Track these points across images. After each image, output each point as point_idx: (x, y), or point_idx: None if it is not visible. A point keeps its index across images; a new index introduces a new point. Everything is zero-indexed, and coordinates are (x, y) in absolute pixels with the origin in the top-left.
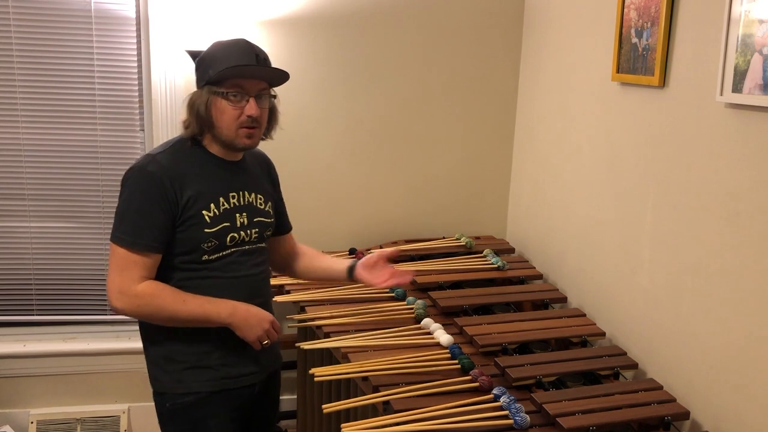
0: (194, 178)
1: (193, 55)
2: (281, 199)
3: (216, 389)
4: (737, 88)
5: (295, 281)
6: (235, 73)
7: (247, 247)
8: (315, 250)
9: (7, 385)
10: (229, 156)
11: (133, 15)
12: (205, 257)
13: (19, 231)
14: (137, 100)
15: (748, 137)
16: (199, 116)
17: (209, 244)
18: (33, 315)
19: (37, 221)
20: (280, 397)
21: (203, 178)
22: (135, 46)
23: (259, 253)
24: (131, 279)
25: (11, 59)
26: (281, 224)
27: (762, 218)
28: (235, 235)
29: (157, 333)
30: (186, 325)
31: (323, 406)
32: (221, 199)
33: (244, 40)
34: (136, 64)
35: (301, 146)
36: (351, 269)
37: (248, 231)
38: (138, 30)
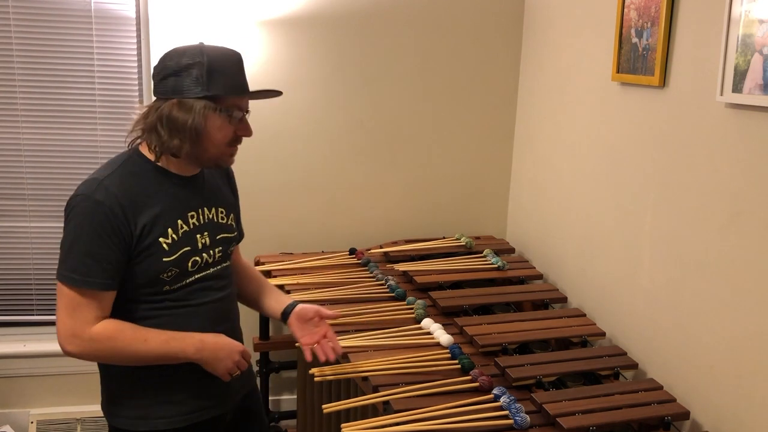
0: (148, 202)
1: (177, 54)
2: (238, 205)
3: (182, 425)
4: (737, 88)
5: (295, 281)
6: (242, 94)
7: (210, 270)
8: (259, 275)
9: (7, 385)
10: (188, 171)
11: (133, 15)
12: (166, 288)
13: (19, 231)
14: (137, 100)
15: (748, 137)
16: (190, 131)
17: (169, 274)
18: (33, 315)
19: (37, 221)
20: (280, 398)
21: (158, 200)
22: (135, 46)
23: (224, 275)
24: (84, 321)
25: (11, 59)
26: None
27: (762, 218)
28: (197, 258)
29: (116, 367)
30: (149, 363)
31: (323, 406)
32: (179, 222)
33: (236, 53)
34: (136, 64)
35: (300, 146)
36: (285, 314)
37: (211, 251)
38: (138, 30)
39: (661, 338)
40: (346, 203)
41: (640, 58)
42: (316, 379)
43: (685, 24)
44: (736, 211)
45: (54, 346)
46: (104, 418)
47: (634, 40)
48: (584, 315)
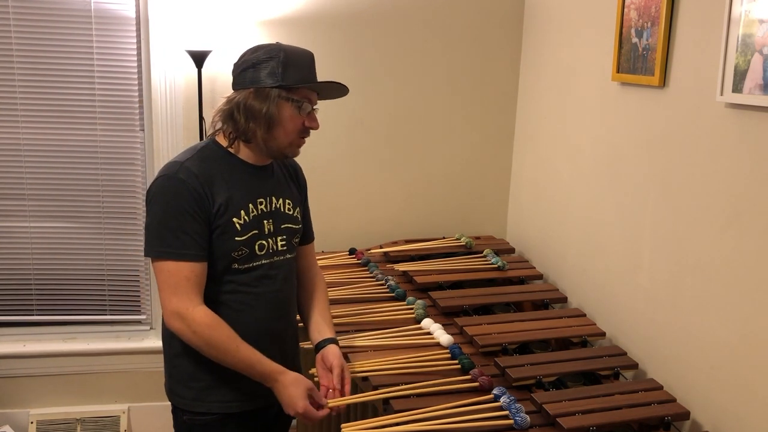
0: (223, 185)
1: (256, 49)
2: (307, 205)
3: (235, 411)
4: (737, 88)
5: None
6: (313, 86)
7: (275, 259)
8: (321, 288)
9: (7, 385)
10: (259, 161)
11: (133, 15)
12: (235, 266)
13: (19, 231)
14: (137, 100)
15: (748, 137)
16: (265, 117)
17: (239, 253)
18: (33, 315)
19: (37, 221)
20: None
21: (232, 184)
22: (135, 46)
23: (289, 267)
24: (188, 299)
25: (11, 59)
26: (303, 233)
27: (762, 218)
28: (264, 242)
29: (183, 348)
30: (227, 366)
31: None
32: (250, 206)
33: (309, 51)
34: (136, 64)
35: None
36: (317, 348)
37: (275, 239)
38: (138, 30)
39: (661, 338)
40: (346, 203)
41: (640, 58)
42: (315, 379)
43: (685, 24)
44: (736, 211)
45: (54, 346)
46: (104, 418)
47: (634, 40)
48: (584, 315)
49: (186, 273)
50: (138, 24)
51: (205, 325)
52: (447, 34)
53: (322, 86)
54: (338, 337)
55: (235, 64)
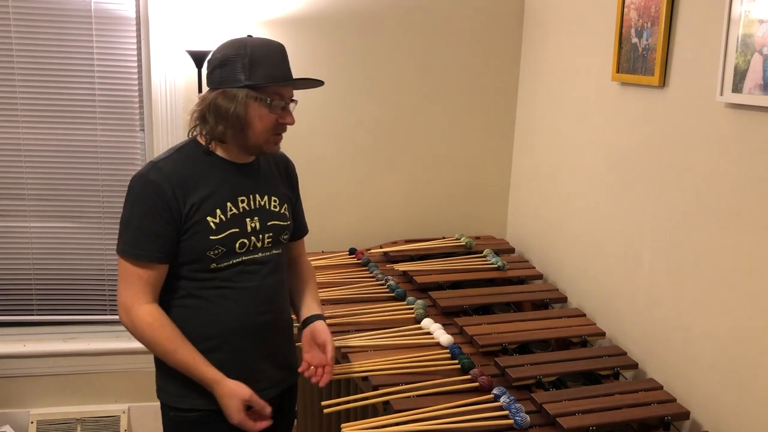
0: (199, 184)
1: (225, 47)
2: (299, 200)
3: (219, 407)
4: (737, 88)
5: None
6: (282, 82)
7: (259, 254)
8: (310, 274)
9: (7, 385)
10: (240, 159)
11: (133, 15)
12: (213, 265)
13: (19, 231)
14: (137, 100)
15: (748, 137)
16: (233, 119)
17: (216, 252)
18: (33, 315)
19: (37, 221)
20: None
21: (210, 183)
22: (135, 46)
23: (274, 261)
24: (136, 296)
25: (11, 59)
26: (296, 228)
27: (762, 218)
28: (245, 241)
29: None
30: (172, 366)
31: (323, 403)
32: (229, 204)
33: (279, 44)
34: (136, 64)
35: (300, 146)
36: (304, 323)
37: (260, 236)
38: (138, 30)
39: (661, 338)
40: (346, 203)
41: (640, 58)
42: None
43: (685, 24)
44: (736, 211)
45: (54, 346)
46: (104, 418)
47: (634, 40)
48: (584, 315)
49: (139, 272)
50: (138, 24)
51: (147, 324)
52: (447, 34)
53: (308, 86)
54: (338, 337)
55: (208, 61)
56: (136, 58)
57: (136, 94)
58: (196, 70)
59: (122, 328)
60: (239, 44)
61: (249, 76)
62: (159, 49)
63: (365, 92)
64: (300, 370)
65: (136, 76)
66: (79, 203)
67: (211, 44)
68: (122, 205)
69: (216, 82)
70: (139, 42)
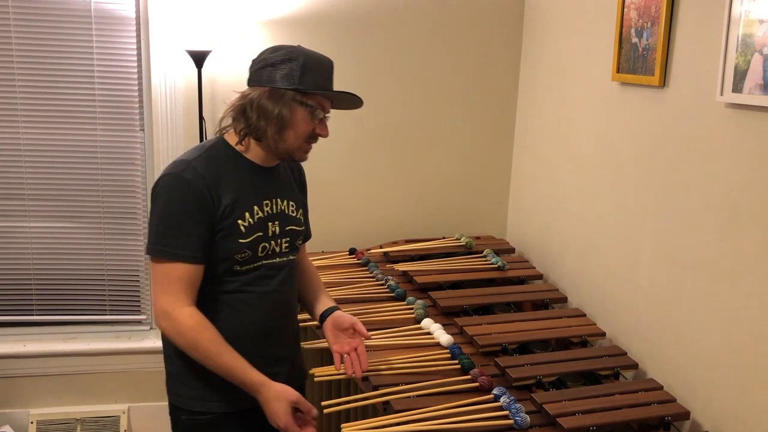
0: (230, 186)
1: (276, 49)
2: (306, 205)
3: (235, 410)
4: (737, 88)
5: None
6: (328, 94)
7: (277, 260)
8: (315, 276)
9: (7, 385)
10: (266, 162)
11: (133, 15)
12: (237, 267)
13: (19, 231)
14: (137, 100)
15: (748, 137)
16: (276, 117)
17: (242, 255)
18: (33, 315)
19: (37, 221)
20: None
21: (238, 185)
22: (135, 46)
23: (290, 267)
24: (177, 299)
25: (11, 59)
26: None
27: (762, 218)
28: (266, 245)
29: (178, 348)
30: (213, 371)
31: (323, 403)
32: (255, 208)
33: (330, 60)
34: (136, 64)
35: None
36: (323, 317)
37: (279, 240)
38: (138, 30)
39: (661, 338)
40: (346, 203)
41: (640, 58)
42: (316, 379)
43: (685, 24)
44: (736, 211)
45: (54, 346)
46: (104, 418)
47: (634, 40)
48: (584, 315)
49: (179, 274)
50: (138, 24)
51: (189, 327)
52: (447, 34)
53: (337, 95)
54: None
55: (254, 61)
56: (135, 58)
57: (136, 94)
58: (196, 70)
59: (123, 328)
60: (293, 49)
61: (299, 81)
62: (159, 49)
63: (365, 92)
64: (336, 368)
65: (136, 76)
66: (78, 203)
67: (211, 44)
68: (122, 205)
69: (263, 80)
70: (138, 42)
